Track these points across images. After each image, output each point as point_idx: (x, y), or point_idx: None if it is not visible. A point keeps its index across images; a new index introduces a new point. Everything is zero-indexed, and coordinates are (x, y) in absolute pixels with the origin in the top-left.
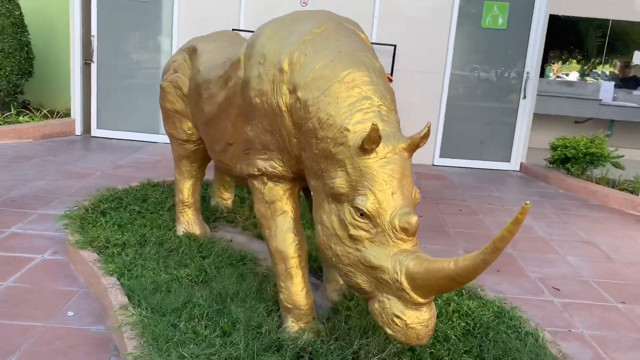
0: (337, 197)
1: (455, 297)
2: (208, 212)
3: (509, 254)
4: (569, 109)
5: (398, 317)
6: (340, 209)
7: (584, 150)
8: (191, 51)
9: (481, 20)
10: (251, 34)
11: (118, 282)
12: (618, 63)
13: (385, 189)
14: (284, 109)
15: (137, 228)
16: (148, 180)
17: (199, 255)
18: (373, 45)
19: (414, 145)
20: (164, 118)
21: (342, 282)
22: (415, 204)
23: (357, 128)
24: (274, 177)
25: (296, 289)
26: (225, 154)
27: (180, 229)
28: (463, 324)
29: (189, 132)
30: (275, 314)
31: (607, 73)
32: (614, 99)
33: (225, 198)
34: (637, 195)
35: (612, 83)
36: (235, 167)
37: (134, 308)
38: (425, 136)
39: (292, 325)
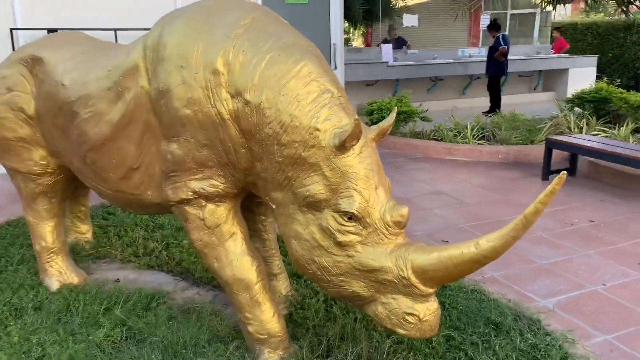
0: (314, 205)
1: None
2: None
3: None
4: (363, 73)
5: (410, 314)
6: (320, 217)
7: (397, 110)
8: (32, 62)
9: None
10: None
11: None
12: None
13: (369, 185)
14: (226, 116)
15: None
16: None
17: (102, 308)
18: None
19: (382, 134)
20: (2, 151)
21: (284, 293)
22: (390, 193)
23: (327, 126)
24: (215, 198)
25: (267, 316)
26: (128, 182)
27: (53, 283)
28: None
29: (42, 162)
30: (246, 351)
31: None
32: (395, 59)
33: (84, 231)
34: (445, 142)
35: (390, 45)
36: (145, 196)
37: None
38: (391, 123)
39: (270, 356)
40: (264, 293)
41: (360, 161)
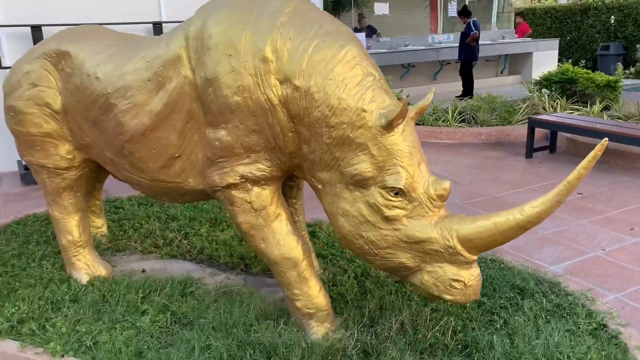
0: (361, 183)
1: None
2: None
3: None
4: None
5: (456, 280)
6: (367, 194)
7: None
8: (57, 57)
9: None
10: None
11: None
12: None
13: (413, 162)
14: (275, 102)
15: (26, 293)
16: None
17: (140, 296)
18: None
19: (420, 113)
20: (26, 147)
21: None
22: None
23: (372, 107)
24: (261, 181)
25: (314, 291)
26: (168, 171)
27: (82, 276)
28: None
29: (68, 157)
30: (294, 326)
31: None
32: (368, 48)
33: (99, 225)
34: (427, 126)
35: (363, 34)
36: (185, 184)
37: None
38: (429, 103)
39: (319, 330)
40: (310, 269)
41: (404, 139)
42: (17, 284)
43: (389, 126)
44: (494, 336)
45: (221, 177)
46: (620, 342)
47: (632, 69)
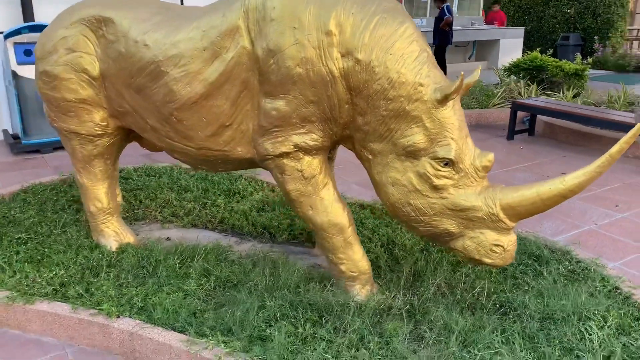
0: (413, 154)
1: None
2: None
3: None
4: None
5: (496, 245)
6: (418, 164)
7: None
8: (97, 23)
9: None
10: None
11: (145, 323)
12: None
13: (462, 134)
14: (336, 74)
15: (59, 258)
16: None
17: (176, 262)
18: None
19: (467, 90)
20: (60, 112)
21: None
22: None
23: (428, 82)
24: (313, 151)
25: (358, 255)
26: (217, 139)
27: (112, 243)
28: None
29: (102, 124)
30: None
31: None
32: None
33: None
34: None
35: None
36: (233, 152)
37: (211, 340)
38: (476, 80)
39: (362, 292)
40: (354, 235)
41: (454, 113)
42: (46, 250)
43: (444, 100)
44: (526, 296)
45: (274, 146)
46: (635, 301)
47: (590, 59)
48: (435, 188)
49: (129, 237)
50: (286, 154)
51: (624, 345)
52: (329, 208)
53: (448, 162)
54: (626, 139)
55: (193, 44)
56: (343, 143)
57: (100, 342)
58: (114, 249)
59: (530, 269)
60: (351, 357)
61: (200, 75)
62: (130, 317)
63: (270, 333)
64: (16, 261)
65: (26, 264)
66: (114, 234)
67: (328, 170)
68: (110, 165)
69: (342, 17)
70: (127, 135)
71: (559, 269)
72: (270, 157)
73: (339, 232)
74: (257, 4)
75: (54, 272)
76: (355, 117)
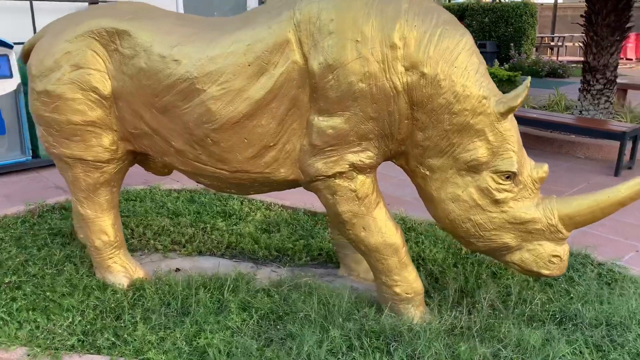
0: (475, 168)
1: None
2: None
3: None
4: None
5: (554, 255)
6: (479, 179)
7: None
8: (110, 36)
9: None
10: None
11: None
12: None
13: (520, 146)
14: (400, 89)
15: (69, 302)
16: None
17: (206, 295)
18: None
19: (523, 101)
20: (62, 137)
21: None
22: None
23: (490, 94)
24: (367, 169)
25: (413, 276)
26: (258, 162)
27: (121, 280)
28: None
29: (112, 148)
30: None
31: None
32: None
33: None
34: None
35: None
36: (276, 174)
37: None
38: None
39: (415, 313)
40: (407, 255)
41: (512, 125)
42: (48, 294)
43: (508, 112)
44: (578, 304)
45: (327, 166)
46: None
47: (506, 65)
48: (497, 202)
49: (139, 272)
50: (339, 174)
51: None
52: (383, 228)
53: (509, 176)
54: None
55: (235, 59)
56: (395, 160)
57: None
58: (125, 286)
59: (561, 275)
60: None
61: (244, 93)
62: None
63: None
64: (17, 310)
65: (30, 312)
66: (122, 269)
67: (378, 188)
68: (116, 194)
69: (406, 30)
70: (134, 159)
71: (586, 272)
72: (321, 177)
73: (394, 253)
74: (310, 16)
75: (70, 320)
76: (414, 133)
